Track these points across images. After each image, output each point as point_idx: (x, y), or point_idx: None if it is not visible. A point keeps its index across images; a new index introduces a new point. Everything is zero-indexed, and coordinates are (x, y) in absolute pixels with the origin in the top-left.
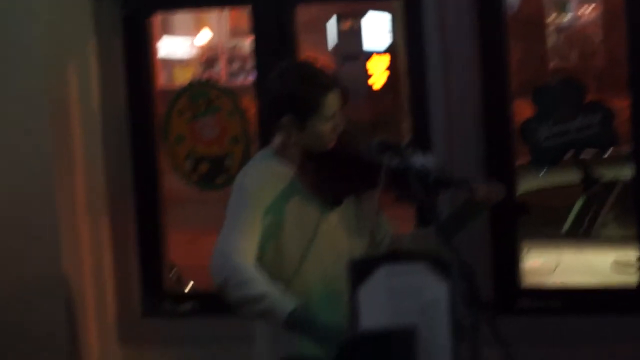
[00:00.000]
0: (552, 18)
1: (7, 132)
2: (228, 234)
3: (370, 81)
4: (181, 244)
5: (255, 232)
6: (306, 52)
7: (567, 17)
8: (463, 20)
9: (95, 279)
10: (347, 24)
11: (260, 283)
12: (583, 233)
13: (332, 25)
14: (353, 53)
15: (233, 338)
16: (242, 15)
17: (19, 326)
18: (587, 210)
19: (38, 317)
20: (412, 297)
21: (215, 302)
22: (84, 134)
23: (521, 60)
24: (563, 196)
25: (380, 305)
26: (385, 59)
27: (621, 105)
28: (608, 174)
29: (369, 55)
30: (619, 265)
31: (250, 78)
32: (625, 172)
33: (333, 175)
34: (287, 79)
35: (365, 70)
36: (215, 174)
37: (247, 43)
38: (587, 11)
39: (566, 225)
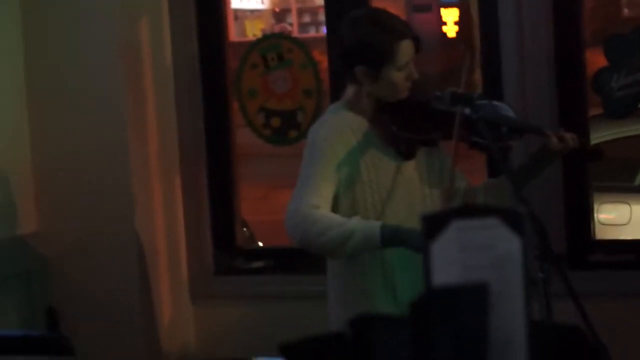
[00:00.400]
0: None
1: (79, 88)
2: (301, 190)
3: (442, 31)
4: (253, 199)
5: (329, 186)
6: (379, 3)
7: None
8: None
9: (168, 236)
10: None
11: (340, 221)
12: None
13: None
14: (424, 3)
15: (306, 296)
16: None
17: (92, 283)
18: None
19: (110, 274)
20: (484, 251)
21: (288, 259)
22: (156, 87)
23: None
24: (636, 147)
25: (452, 260)
26: (455, 12)
27: None
28: None
29: (440, 5)
30: None
31: (322, 30)
32: None
33: (406, 126)
34: (360, 27)
35: (437, 21)
36: (287, 128)
37: None
38: None
39: (639, 178)
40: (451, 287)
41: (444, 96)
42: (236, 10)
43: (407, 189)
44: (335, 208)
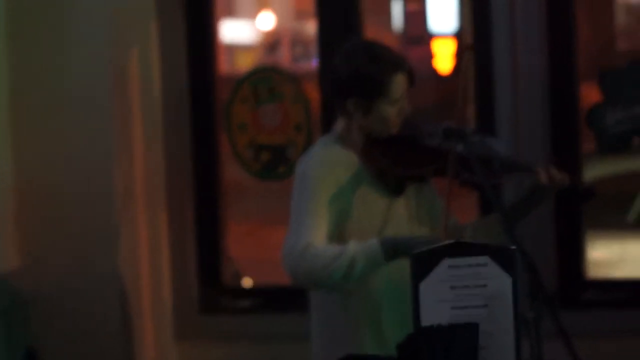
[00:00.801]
0: None
1: (66, 119)
2: (296, 230)
3: (435, 64)
4: (241, 236)
5: (323, 223)
6: (371, 34)
7: None
8: (531, 2)
9: (152, 272)
10: (412, 5)
11: (339, 250)
12: None
13: (397, 7)
14: (419, 36)
15: (292, 335)
16: None
17: (73, 322)
18: None
19: (94, 312)
20: (475, 290)
21: (276, 298)
22: (144, 120)
23: (588, 42)
24: (630, 184)
25: (442, 298)
26: (451, 44)
27: None
28: None
29: (435, 37)
30: None
31: (314, 63)
32: None
33: (396, 162)
34: (355, 58)
35: (431, 54)
36: (277, 163)
37: (311, 27)
38: None
39: (632, 215)
40: (441, 326)
41: (437, 131)
42: (227, 43)
43: (396, 226)
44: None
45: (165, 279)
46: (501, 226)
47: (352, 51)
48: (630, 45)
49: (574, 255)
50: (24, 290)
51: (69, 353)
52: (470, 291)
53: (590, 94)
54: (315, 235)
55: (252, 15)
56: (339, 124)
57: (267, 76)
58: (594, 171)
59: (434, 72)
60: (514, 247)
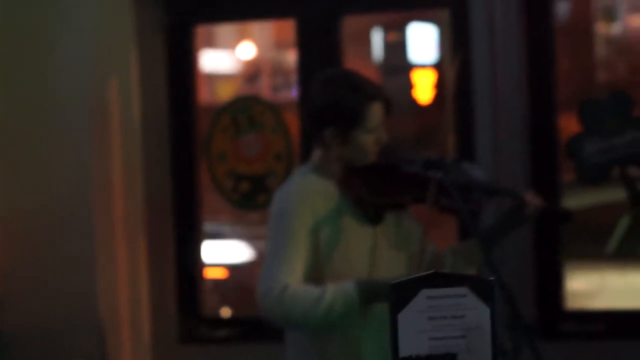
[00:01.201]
0: (600, 28)
1: (46, 150)
2: (273, 267)
3: (415, 95)
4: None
5: (300, 259)
6: (352, 64)
7: (616, 28)
8: (511, 33)
9: (131, 302)
10: (392, 36)
11: (317, 294)
12: (629, 254)
13: (377, 37)
14: (399, 66)
15: None
16: (287, 28)
17: (53, 350)
18: (633, 230)
19: (73, 343)
20: (453, 320)
21: (254, 328)
22: (124, 149)
23: (568, 72)
24: (609, 214)
25: (420, 329)
26: (431, 74)
27: None
28: None
29: (415, 68)
30: None
31: (294, 93)
32: None
33: (374, 190)
34: (331, 88)
35: (411, 84)
36: (256, 193)
37: (291, 56)
38: (637, 20)
39: (611, 246)
40: (419, 357)
41: (416, 160)
42: (207, 72)
43: (376, 254)
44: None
45: (145, 309)
46: (479, 253)
47: (328, 81)
48: (610, 77)
49: (553, 286)
50: (1, 323)
51: None
52: (449, 322)
53: (570, 125)
54: (292, 274)
55: (232, 45)
56: (316, 154)
57: (247, 106)
58: (574, 201)
59: (414, 103)
60: (492, 278)
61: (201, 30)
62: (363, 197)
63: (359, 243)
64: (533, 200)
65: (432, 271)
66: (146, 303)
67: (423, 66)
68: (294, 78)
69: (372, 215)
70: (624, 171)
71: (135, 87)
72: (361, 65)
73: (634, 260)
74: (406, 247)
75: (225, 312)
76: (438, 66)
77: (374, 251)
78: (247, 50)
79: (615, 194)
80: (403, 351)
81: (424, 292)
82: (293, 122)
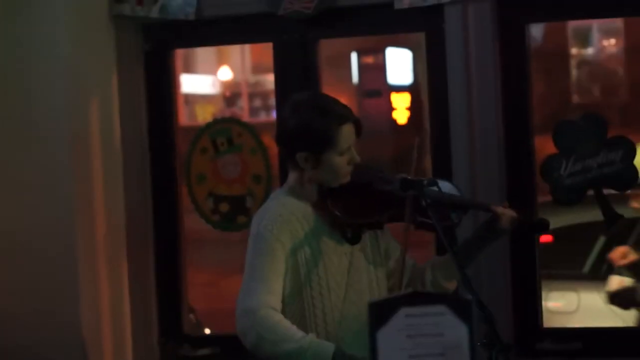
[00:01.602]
0: (574, 52)
1: (27, 172)
2: (251, 287)
3: (393, 116)
4: (201, 286)
5: (278, 280)
6: (329, 87)
7: (590, 51)
8: (486, 56)
9: (114, 324)
10: (369, 59)
11: (296, 336)
12: (604, 273)
13: (353, 61)
14: (375, 89)
15: None
16: (265, 51)
17: None
18: (608, 250)
19: None
20: (431, 339)
21: (235, 347)
22: (105, 171)
23: (543, 95)
24: (584, 235)
25: (399, 347)
26: (406, 97)
27: None
28: (630, 212)
29: (391, 90)
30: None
31: (273, 115)
32: None
33: (350, 211)
34: (300, 112)
35: (388, 106)
36: (236, 213)
37: (269, 79)
38: (610, 44)
39: (587, 265)
40: None
41: (391, 179)
42: (187, 95)
43: (354, 274)
44: (282, 296)
45: (127, 329)
46: (454, 263)
47: (297, 106)
48: (584, 99)
49: (530, 305)
50: None
51: None
52: (428, 340)
53: (545, 146)
54: (271, 294)
55: (211, 68)
56: (292, 176)
57: (226, 127)
58: (550, 222)
59: (391, 124)
60: (470, 297)
61: (180, 54)
62: (339, 219)
63: (337, 263)
64: (507, 212)
65: (410, 290)
66: (128, 323)
67: (400, 89)
68: (272, 100)
69: (350, 236)
70: (599, 192)
71: (116, 110)
72: (339, 88)
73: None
74: (385, 264)
75: (207, 330)
76: (413, 90)
77: (350, 270)
78: (225, 74)
79: (591, 215)
80: None
81: (403, 311)
82: (272, 143)
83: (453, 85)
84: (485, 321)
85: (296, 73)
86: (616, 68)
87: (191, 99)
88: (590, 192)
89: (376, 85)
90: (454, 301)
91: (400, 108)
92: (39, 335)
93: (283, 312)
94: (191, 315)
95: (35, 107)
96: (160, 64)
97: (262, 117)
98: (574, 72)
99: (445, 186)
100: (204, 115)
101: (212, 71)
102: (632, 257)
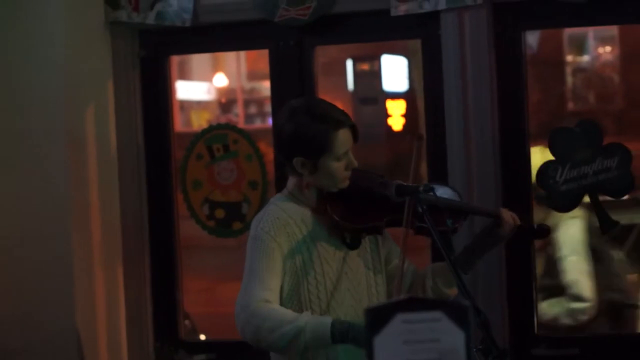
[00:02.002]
0: (570, 59)
1: (23, 179)
2: (248, 285)
3: (388, 123)
4: (196, 292)
5: (276, 279)
6: (325, 94)
7: (586, 59)
8: (482, 63)
9: (108, 328)
10: (364, 66)
11: (291, 317)
12: None
13: (349, 68)
14: (371, 95)
15: None
16: (260, 58)
17: None
18: None
19: None
20: (428, 344)
21: (230, 353)
22: (100, 177)
23: (539, 102)
24: None
25: (396, 353)
26: (402, 104)
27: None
28: (625, 218)
29: (387, 97)
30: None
31: (268, 121)
32: None
33: (349, 216)
34: (297, 117)
35: (384, 112)
36: (232, 220)
37: (265, 86)
38: (606, 52)
39: None
40: None
41: (389, 184)
42: (182, 101)
43: (352, 278)
44: (280, 298)
45: (122, 336)
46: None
47: (294, 111)
48: (580, 106)
49: (526, 311)
50: None
51: None
52: (424, 346)
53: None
54: (268, 292)
55: (207, 75)
56: (290, 182)
57: (222, 133)
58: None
59: (387, 130)
60: (466, 302)
61: (176, 61)
62: (339, 223)
63: (335, 268)
64: (509, 217)
65: (407, 296)
66: (124, 329)
67: (395, 96)
68: (267, 107)
69: (350, 241)
70: (595, 199)
71: (112, 116)
72: (335, 95)
73: None
74: (383, 267)
75: (203, 336)
76: (408, 97)
77: (348, 275)
78: (221, 80)
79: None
80: None
81: (400, 317)
82: (267, 149)
83: (449, 92)
84: (482, 327)
85: (292, 80)
86: (612, 75)
87: (187, 105)
88: (586, 199)
89: (372, 92)
90: (451, 307)
91: (396, 115)
92: (34, 340)
93: None
94: (186, 321)
95: (32, 112)
96: (156, 70)
97: (258, 124)
98: (569, 80)
99: (446, 192)
100: (199, 122)
101: (208, 78)
102: None
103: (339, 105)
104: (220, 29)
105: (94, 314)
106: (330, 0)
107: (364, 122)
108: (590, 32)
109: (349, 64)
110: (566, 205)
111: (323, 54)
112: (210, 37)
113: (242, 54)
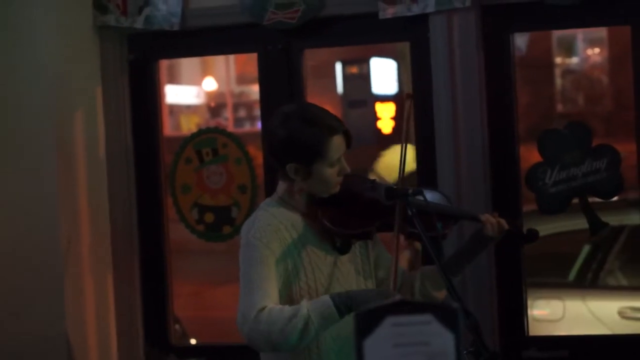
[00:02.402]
0: (559, 61)
1: (11, 183)
2: (246, 296)
3: (377, 126)
4: (186, 296)
5: (273, 285)
6: (314, 97)
7: (575, 61)
8: (471, 65)
9: (98, 333)
10: (353, 69)
11: (293, 311)
12: (589, 281)
13: (338, 71)
14: (360, 98)
15: None
16: (249, 62)
17: None
18: (593, 258)
19: None
20: (418, 347)
21: (220, 357)
22: (89, 181)
23: (528, 105)
24: (569, 243)
25: (386, 356)
26: (391, 107)
27: (628, 149)
28: (615, 220)
29: (376, 100)
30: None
31: (258, 125)
32: (632, 218)
33: (340, 221)
34: (290, 123)
35: (373, 115)
36: (221, 224)
37: (254, 89)
38: (594, 54)
39: (572, 274)
40: None
41: (379, 189)
42: (171, 105)
43: (344, 283)
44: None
45: (112, 340)
46: (441, 277)
47: (287, 116)
48: (569, 108)
49: (516, 313)
50: None
51: None
52: (414, 349)
53: (530, 155)
54: (267, 298)
55: (196, 79)
56: (280, 187)
57: (211, 137)
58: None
59: (377, 133)
60: (456, 305)
61: (165, 65)
62: (329, 228)
63: (326, 273)
64: (492, 219)
65: (397, 299)
66: (114, 333)
67: (384, 99)
68: (257, 111)
69: (340, 246)
70: (584, 201)
71: (100, 120)
72: (325, 98)
73: (594, 287)
74: (374, 272)
75: (193, 340)
76: (397, 100)
77: (339, 279)
78: (210, 84)
79: (575, 224)
80: None
81: (389, 320)
82: (257, 153)
83: (438, 94)
84: (472, 330)
85: (281, 83)
86: (600, 77)
87: (176, 109)
88: (575, 201)
89: (361, 95)
90: (441, 310)
91: (385, 118)
92: (24, 345)
93: None
94: (177, 326)
95: (20, 117)
96: (144, 74)
97: (247, 128)
98: (558, 82)
99: (435, 197)
100: (188, 126)
101: (197, 82)
102: None
103: (329, 109)
104: (209, 32)
105: (83, 319)
106: (318, 4)
107: (353, 125)
108: (579, 34)
109: (338, 67)
110: (555, 207)
111: (312, 57)
112: (199, 41)
113: (231, 57)
